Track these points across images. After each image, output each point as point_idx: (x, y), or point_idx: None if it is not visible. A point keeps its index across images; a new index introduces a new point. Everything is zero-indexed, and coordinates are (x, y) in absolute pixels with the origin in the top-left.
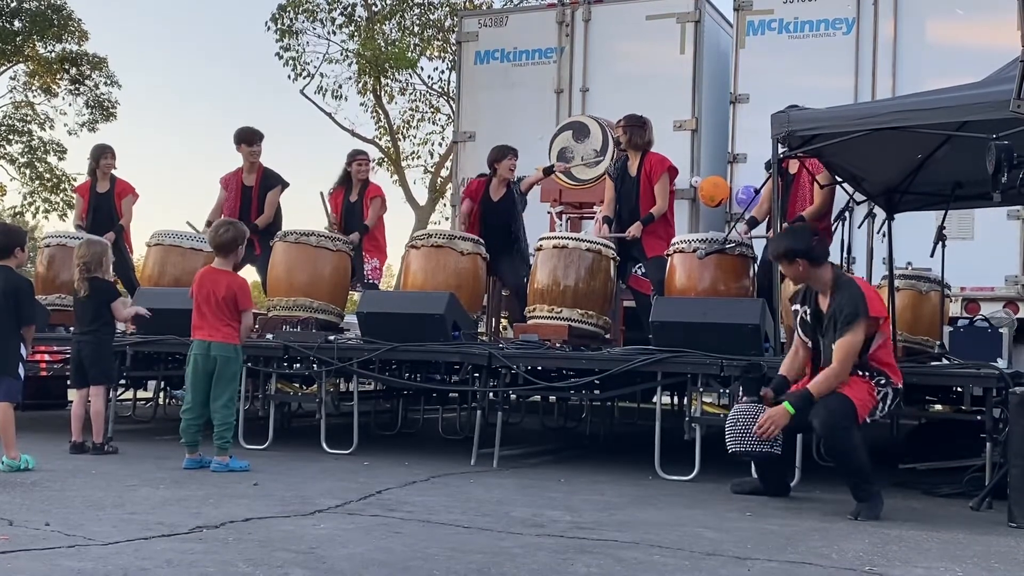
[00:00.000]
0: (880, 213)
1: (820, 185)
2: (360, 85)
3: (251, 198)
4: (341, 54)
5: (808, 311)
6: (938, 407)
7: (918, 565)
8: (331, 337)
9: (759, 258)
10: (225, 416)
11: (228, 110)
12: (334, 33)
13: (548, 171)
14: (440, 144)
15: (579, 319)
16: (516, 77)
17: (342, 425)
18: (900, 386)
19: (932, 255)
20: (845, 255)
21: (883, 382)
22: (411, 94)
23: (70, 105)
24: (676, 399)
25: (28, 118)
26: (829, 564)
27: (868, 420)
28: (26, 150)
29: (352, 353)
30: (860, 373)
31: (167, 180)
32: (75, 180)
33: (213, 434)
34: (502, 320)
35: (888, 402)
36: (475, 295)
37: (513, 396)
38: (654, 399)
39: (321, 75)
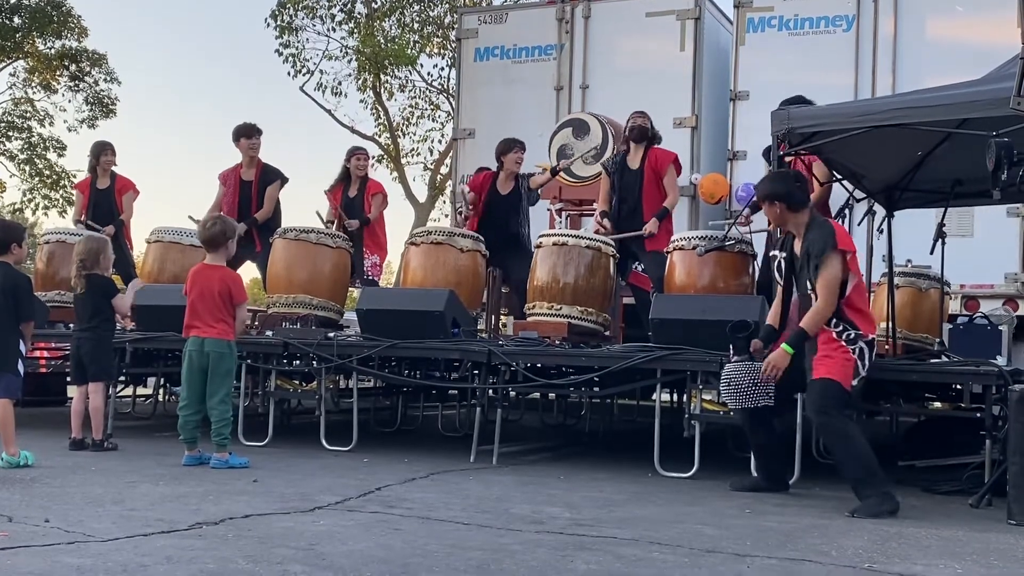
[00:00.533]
0: (880, 210)
1: (818, 181)
2: (360, 82)
3: (250, 193)
4: (341, 51)
5: (784, 256)
6: (937, 404)
7: (917, 562)
8: (331, 334)
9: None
10: (222, 413)
11: (227, 107)
12: (334, 30)
13: (555, 172)
14: (440, 141)
15: (579, 316)
16: (516, 74)
17: (342, 422)
18: (872, 337)
19: (932, 252)
20: None
21: (852, 336)
22: (411, 91)
23: (70, 102)
24: (676, 396)
25: (28, 115)
26: (828, 561)
27: (855, 384)
28: (26, 147)
29: (352, 350)
30: (831, 328)
31: (167, 176)
32: (75, 177)
33: (211, 431)
34: (501, 317)
35: (865, 359)
36: (474, 292)
37: (512, 393)
38: (653, 396)
39: (321, 72)
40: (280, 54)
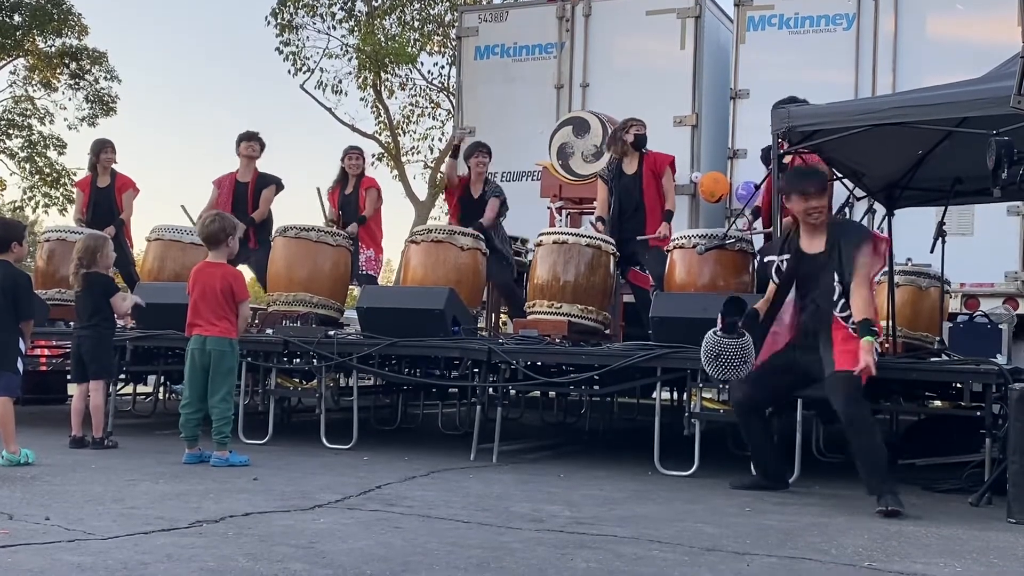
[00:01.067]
0: (880, 209)
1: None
2: (360, 80)
3: (246, 195)
4: (341, 49)
5: (785, 259)
6: (937, 403)
7: (917, 560)
8: (331, 332)
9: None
10: (223, 411)
11: (227, 107)
12: (334, 28)
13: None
14: (440, 139)
15: (579, 314)
16: (516, 72)
17: (342, 420)
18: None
19: (932, 251)
20: None
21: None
22: (411, 89)
23: (70, 100)
24: (676, 395)
25: (28, 113)
26: (828, 559)
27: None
28: (26, 145)
29: (352, 348)
30: (848, 324)
31: (167, 175)
32: (75, 175)
33: (212, 429)
34: (501, 315)
35: (875, 354)
36: (475, 290)
37: (512, 391)
38: (654, 395)
39: (321, 70)
40: (280, 52)
